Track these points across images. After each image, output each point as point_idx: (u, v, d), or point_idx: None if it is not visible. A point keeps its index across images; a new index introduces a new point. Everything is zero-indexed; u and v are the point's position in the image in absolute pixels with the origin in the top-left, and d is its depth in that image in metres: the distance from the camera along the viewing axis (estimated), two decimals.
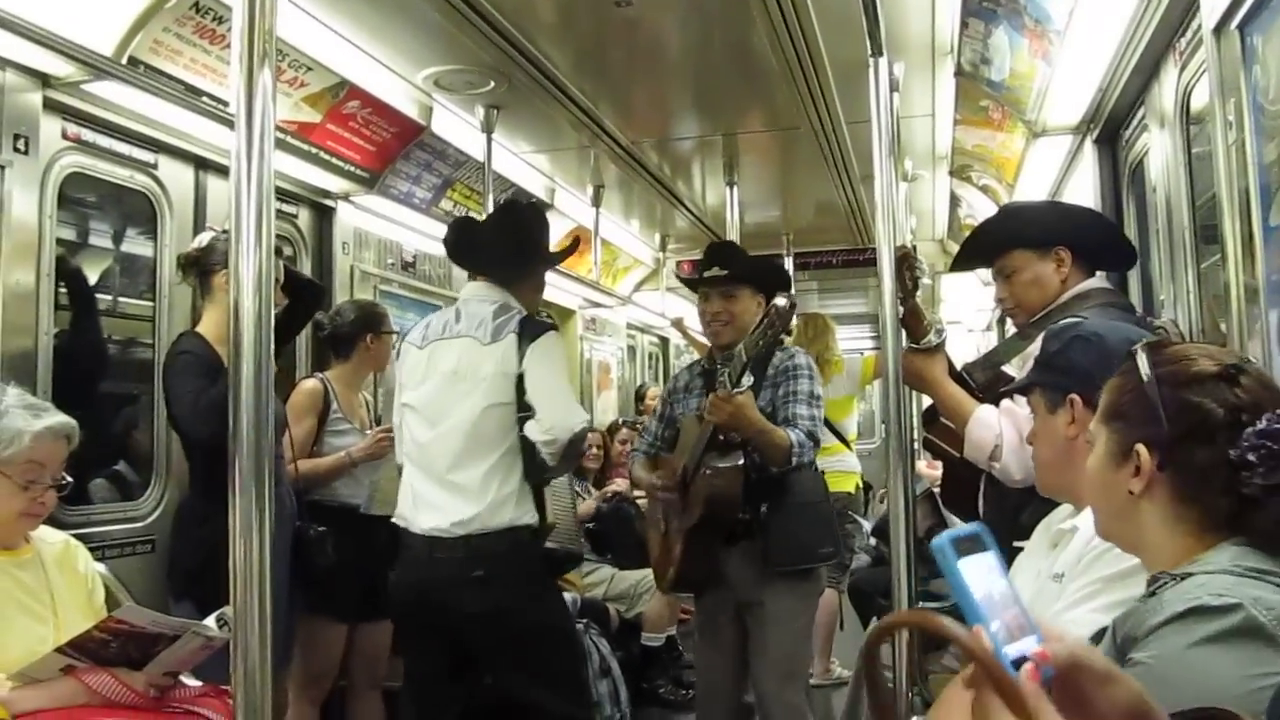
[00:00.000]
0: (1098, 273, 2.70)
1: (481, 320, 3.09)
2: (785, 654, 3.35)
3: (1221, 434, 1.30)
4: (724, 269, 3.51)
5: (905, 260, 2.86)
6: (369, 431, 3.75)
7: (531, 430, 2.95)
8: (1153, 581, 1.32)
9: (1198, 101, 2.93)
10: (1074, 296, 2.57)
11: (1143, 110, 3.52)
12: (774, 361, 3.40)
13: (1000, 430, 2.46)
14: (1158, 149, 3.35)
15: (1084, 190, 4.23)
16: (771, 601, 3.32)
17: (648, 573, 5.42)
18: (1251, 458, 1.26)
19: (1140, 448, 1.35)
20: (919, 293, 2.97)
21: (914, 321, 2.80)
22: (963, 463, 2.71)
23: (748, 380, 3.26)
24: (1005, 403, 2.51)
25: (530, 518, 3.02)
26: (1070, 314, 2.44)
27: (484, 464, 2.98)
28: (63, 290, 3.37)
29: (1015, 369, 2.80)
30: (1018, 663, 0.92)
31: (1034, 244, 2.63)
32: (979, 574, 0.95)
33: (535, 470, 3.02)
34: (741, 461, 3.27)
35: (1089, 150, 4.15)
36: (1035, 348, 2.29)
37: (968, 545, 0.96)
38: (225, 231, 3.30)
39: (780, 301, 3.08)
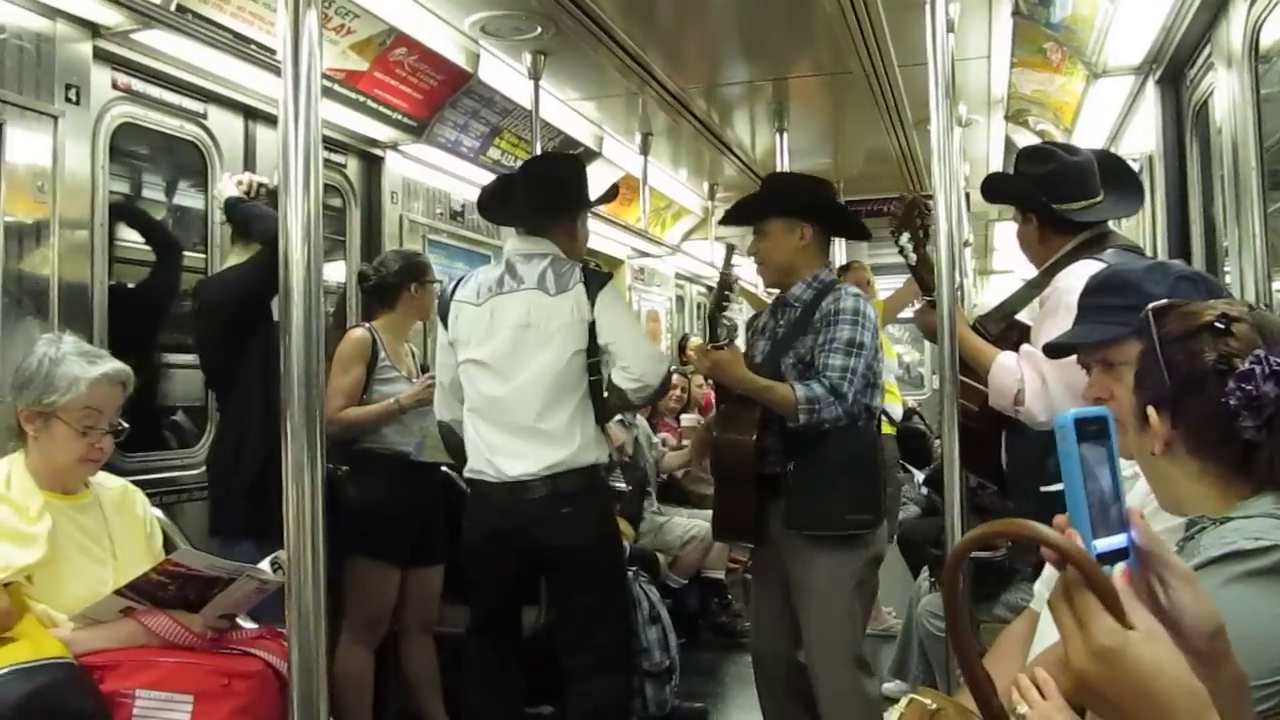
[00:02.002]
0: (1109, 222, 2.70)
1: (541, 273, 3.11)
2: (822, 625, 3.08)
3: (1211, 382, 1.32)
4: (758, 204, 3.33)
5: (914, 207, 2.82)
6: (416, 379, 3.77)
7: (619, 377, 3.05)
8: (1190, 525, 1.34)
9: (1268, 39, 2.84)
10: (1083, 242, 2.59)
11: (1209, 48, 3.41)
12: (822, 305, 3.11)
13: (1022, 374, 2.46)
14: (1224, 89, 3.24)
15: (1145, 133, 4.13)
16: (805, 569, 3.08)
17: (694, 523, 5.47)
18: (1233, 402, 1.28)
19: (1151, 410, 1.37)
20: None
21: (925, 272, 2.74)
22: (979, 418, 2.68)
23: (768, 327, 3.25)
24: (1025, 347, 2.51)
25: (605, 456, 3.17)
26: (1079, 260, 2.46)
27: (567, 410, 3.07)
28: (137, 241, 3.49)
29: (1027, 318, 2.78)
30: (1107, 556, 0.92)
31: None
32: (1091, 463, 0.94)
33: (604, 412, 3.16)
34: (757, 414, 3.10)
35: (1151, 91, 4.04)
36: (1057, 294, 2.30)
37: (1093, 429, 0.94)
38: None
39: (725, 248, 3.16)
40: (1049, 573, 2.15)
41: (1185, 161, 3.84)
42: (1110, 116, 4.69)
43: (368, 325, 3.82)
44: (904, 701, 1.18)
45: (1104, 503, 0.94)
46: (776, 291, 3.31)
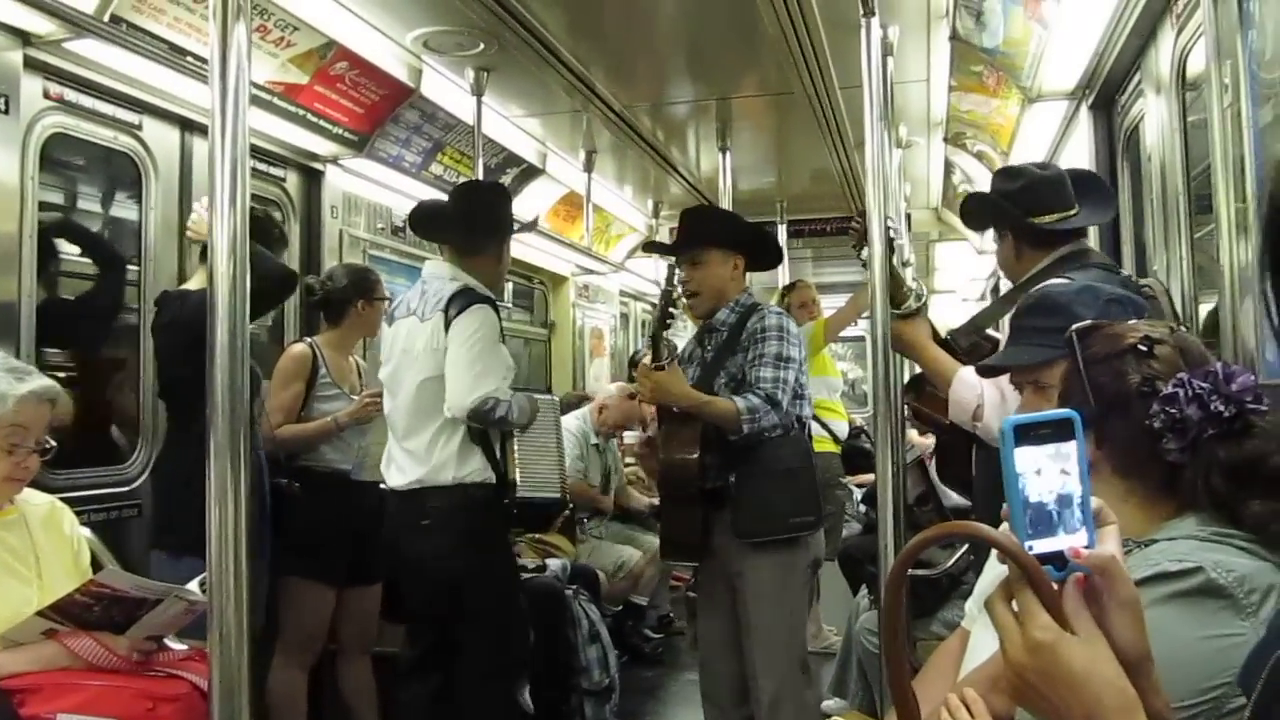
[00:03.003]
0: (1080, 239, 2.70)
1: (426, 299, 3.32)
2: (769, 627, 3.21)
3: (1135, 404, 1.34)
4: (689, 236, 3.46)
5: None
6: (356, 397, 3.74)
7: (445, 405, 3.21)
8: None
9: (1194, 66, 2.90)
10: (1060, 258, 2.59)
11: (1139, 75, 3.49)
12: (748, 325, 3.28)
13: (982, 390, 2.48)
14: (1153, 115, 3.32)
15: (1079, 157, 4.20)
16: (751, 573, 3.21)
17: (625, 551, 5.49)
18: (1157, 424, 1.30)
19: None
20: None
21: (893, 285, 2.77)
22: (953, 431, 2.71)
23: (693, 351, 3.36)
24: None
25: (478, 474, 3.26)
26: (1053, 277, 2.46)
27: (427, 432, 3.26)
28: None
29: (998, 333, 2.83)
30: (1049, 558, 0.93)
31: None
32: (1040, 463, 0.94)
33: (481, 432, 3.26)
34: (697, 431, 3.20)
35: (1084, 116, 4.12)
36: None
37: (1045, 432, 0.95)
38: None
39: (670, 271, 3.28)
40: (979, 589, 2.17)
41: (1117, 185, 3.92)
42: (1046, 140, 4.77)
43: (309, 341, 3.78)
44: None
45: (1046, 506, 0.94)
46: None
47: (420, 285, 3.42)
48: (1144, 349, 1.36)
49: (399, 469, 3.32)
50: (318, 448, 3.66)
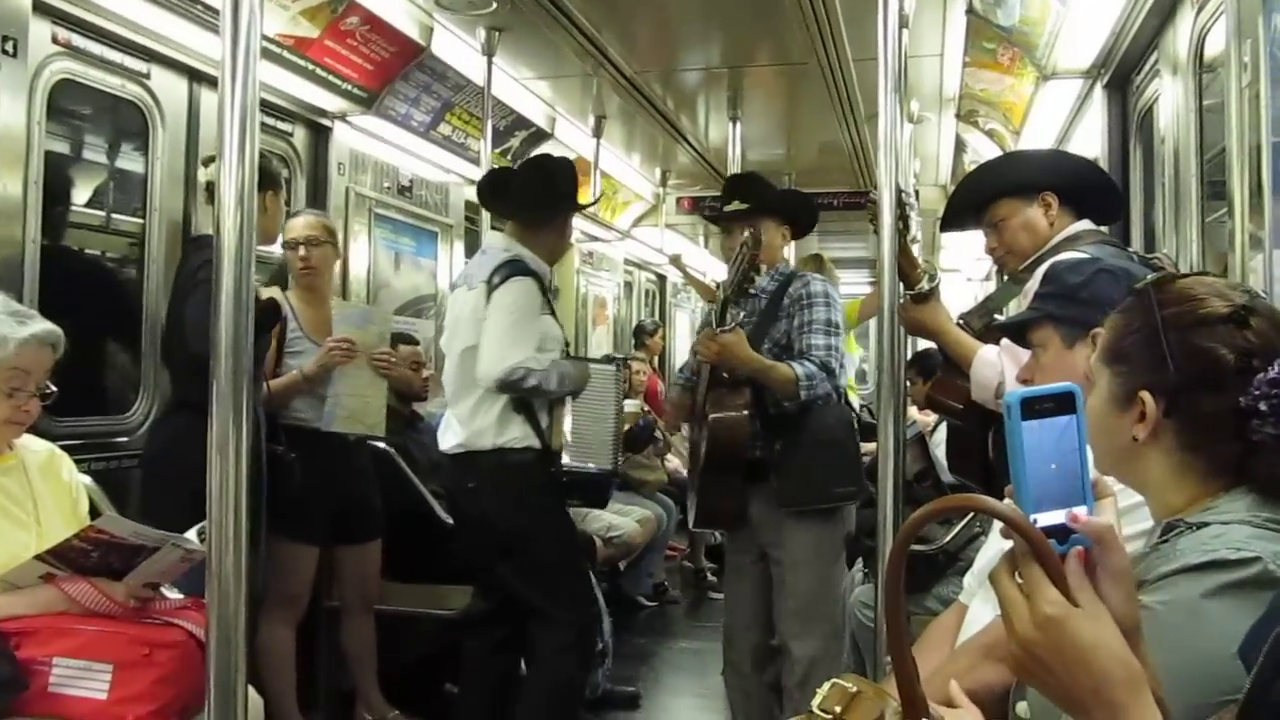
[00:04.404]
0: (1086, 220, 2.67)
1: (478, 269, 3.41)
2: (806, 599, 3.26)
3: (1231, 381, 1.25)
4: (745, 202, 3.46)
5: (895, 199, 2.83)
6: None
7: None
8: (1167, 529, 1.29)
9: (1212, 49, 2.88)
10: (1064, 239, 2.55)
11: (1155, 55, 3.46)
12: (790, 290, 3.31)
13: (1002, 367, 2.46)
14: (1168, 96, 3.29)
15: (1091, 137, 4.18)
16: (791, 543, 3.25)
17: (618, 521, 5.49)
18: (1263, 406, 1.21)
19: (1145, 395, 1.29)
20: (916, 238, 2.94)
21: (906, 264, 2.75)
22: (967, 417, 2.70)
23: (742, 316, 3.25)
24: (1005, 341, 2.50)
25: (519, 441, 3.32)
26: (1062, 252, 2.42)
27: (470, 398, 3.35)
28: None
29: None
30: (1053, 531, 0.93)
31: (1019, 190, 2.60)
32: (1044, 436, 0.94)
33: (523, 400, 3.32)
34: (747, 399, 3.21)
35: (1098, 96, 4.09)
36: (1034, 284, 2.28)
37: (1048, 406, 0.94)
38: None
39: (746, 234, 3.15)
40: (978, 565, 2.18)
41: (1129, 167, 3.89)
42: (1059, 119, 4.74)
43: (282, 292, 3.67)
44: (826, 685, 1.18)
45: (1051, 479, 0.94)
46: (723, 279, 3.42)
47: (479, 255, 3.56)
48: (1238, 320, 1.27)
49: (450, 431, 3.45)
50: (288, 404, 3.57)
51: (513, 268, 3.31)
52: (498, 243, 3.51)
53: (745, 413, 3.20)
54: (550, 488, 3.49)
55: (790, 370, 3.15)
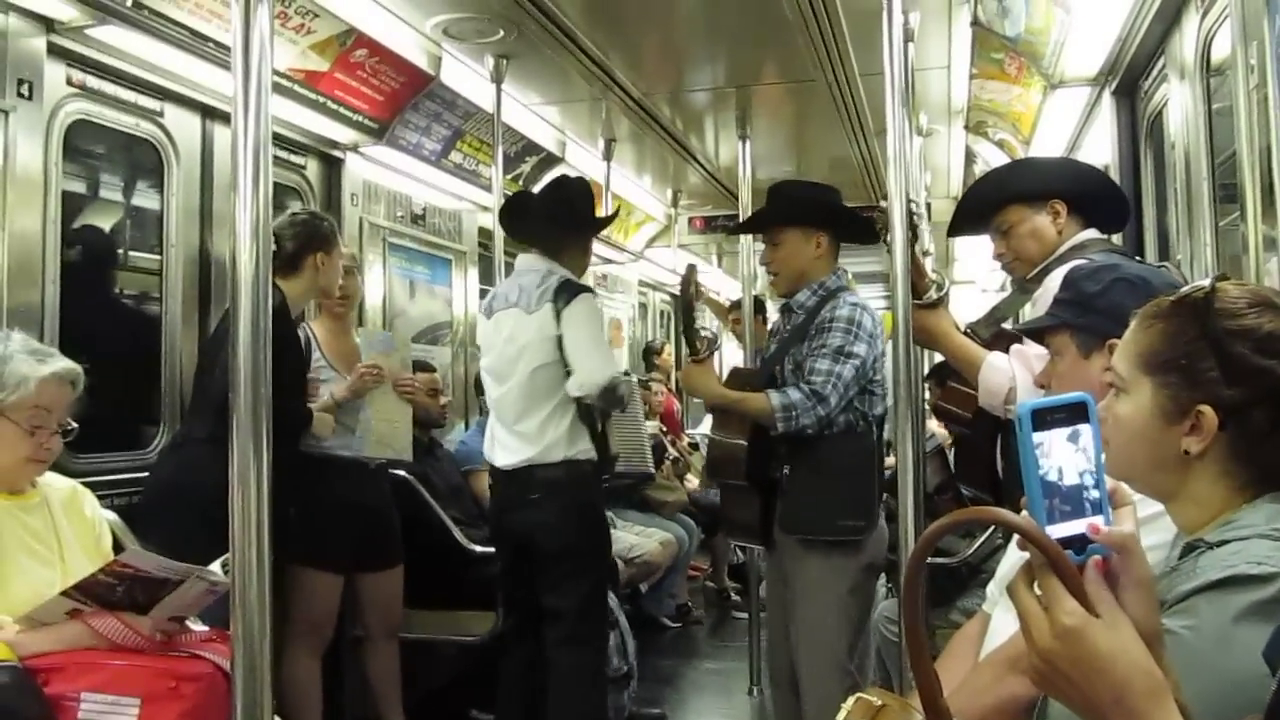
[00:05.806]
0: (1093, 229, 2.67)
1: (527, 291, 3.47)
2: (810, 626, 3.13)
3: None
4: (758, 214, 3.48)
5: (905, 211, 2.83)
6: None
7: (570, 385, 3.38)
8: (1187, 549, 1.27)
9: (1219, 52, 2.88)
10: (1071, 247, 2.54)
11: (1162, 60, 3.46)
12: (822, 312, 3.16)
13: (1013, 373, 2.45)
14: (1177, 101, 3.29)
15: (1101, 144, 4.17)
16: (798, 569, 3.16)
17: (640, 543, 5.48)
18: None
19: (1206, 409, 1.25)
20: (929, 250, 2.94)
21: (914, 274, 2.75)
22: (975, 426, 2.69)
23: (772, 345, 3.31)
24: (1015, 346, 2.50)
25: (585, 452, 3.46)
26: (1071, 260, 2.42)
27: (540, 415, 3.43)
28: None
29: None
30: (1069, 542, 0.93)
31: (1028, 197, 2.59)
32: (1056, 448, 0.94)
33: (588, 412, 3.46)
34: (747, 419, 3.17)
35: (1107, 102, 4.09)
36: (1046, 294, 2.27)
37: (1060, 416, 0.94)
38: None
39: (687, 268, 3.28)
40: (1001, 573, 2.17)
41: (1140, 173, 3.89)
42: (1068, 127, 4.74)
43: (302, 324, 3.70)
44: (851, 700, 1.18)
45: (1065, 489, 0.94)
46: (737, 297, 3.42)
47: (515, 279, 3.59)
48: None
49: (507, 450, 3.50)
50: (328, 432, 3.59)
51: (572, 288, 3.42)
52: (537, 265, 3.54)
53: (743, 439, 3.15)
54: (602, 496, 3.66)
55: (765, 401, 3.05)
